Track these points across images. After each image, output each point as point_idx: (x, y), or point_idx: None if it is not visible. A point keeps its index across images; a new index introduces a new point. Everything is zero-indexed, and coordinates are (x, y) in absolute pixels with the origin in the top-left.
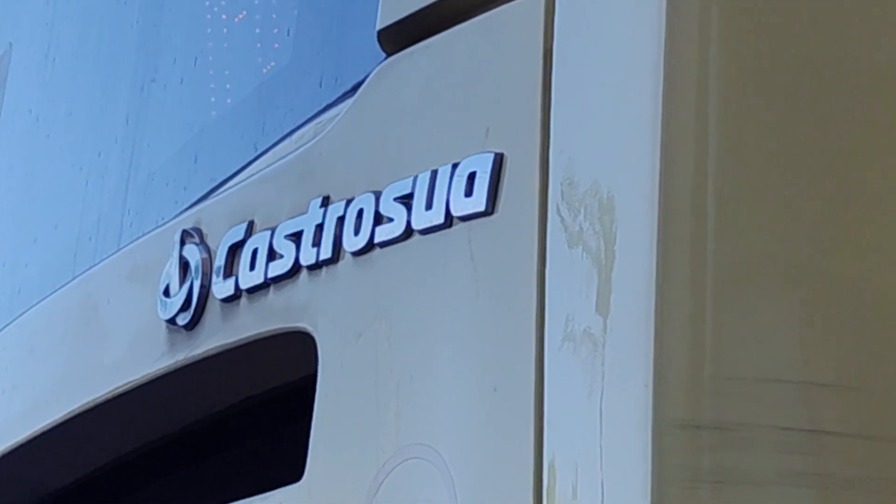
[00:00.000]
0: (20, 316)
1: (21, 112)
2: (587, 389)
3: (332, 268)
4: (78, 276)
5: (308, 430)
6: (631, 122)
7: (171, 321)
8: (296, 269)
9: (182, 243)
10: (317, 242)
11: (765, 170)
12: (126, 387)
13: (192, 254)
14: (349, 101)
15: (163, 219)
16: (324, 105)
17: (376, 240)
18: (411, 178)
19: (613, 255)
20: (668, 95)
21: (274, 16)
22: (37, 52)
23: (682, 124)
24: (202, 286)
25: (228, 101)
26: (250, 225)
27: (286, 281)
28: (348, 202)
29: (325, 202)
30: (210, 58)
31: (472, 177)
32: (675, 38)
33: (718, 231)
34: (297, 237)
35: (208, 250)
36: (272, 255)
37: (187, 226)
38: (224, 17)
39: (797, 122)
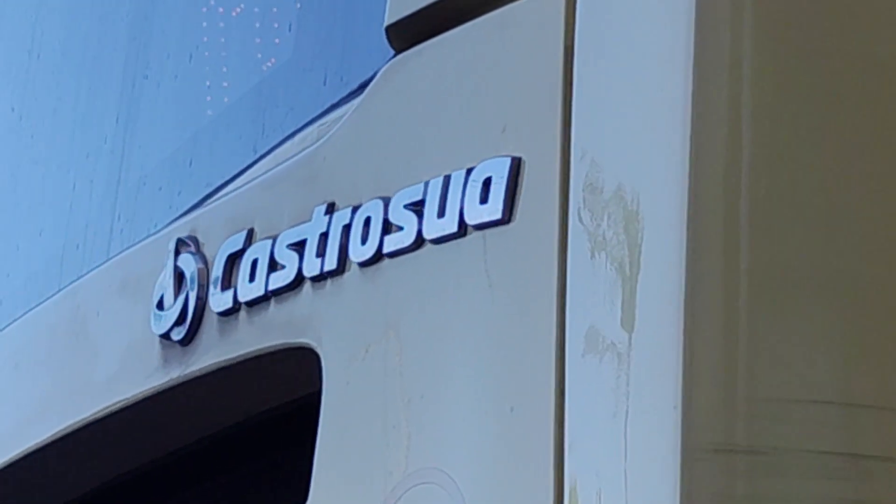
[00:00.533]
0: (3, 329)
1: (3, 110)
2: (611, 410)
3: (337, 279)
4: (65, 287)
5: (311, 453)
6: (658, 122)
7: (165, 336)
8: (298, 280)
9: (177, 253)
10: (321, 252)
11: (802, 172)
12: (116, 406)
13: (188, 264)
14: (356, 101)
15: (156, 226)
16: (328, 105)
17: (385, 250)
18: (422, 184)
19: (639, 266)
20: (699, 93)
21: (274, 9)
22: (20, 47)
23: (713, 124)
24: (198, 299)
25: (226, 100)
26: (250, 233)
27: (288, 293)
28: (355, 209)
29: (330, 209)
30: (206, 54)
31: (487, 182)
32: (706, 32)
33: (753, 239)
34: (299, 246)
35: (205, 260)
36: (273, 265)
37: (182, 234)
38: (221, 10)
39: (836, 122)
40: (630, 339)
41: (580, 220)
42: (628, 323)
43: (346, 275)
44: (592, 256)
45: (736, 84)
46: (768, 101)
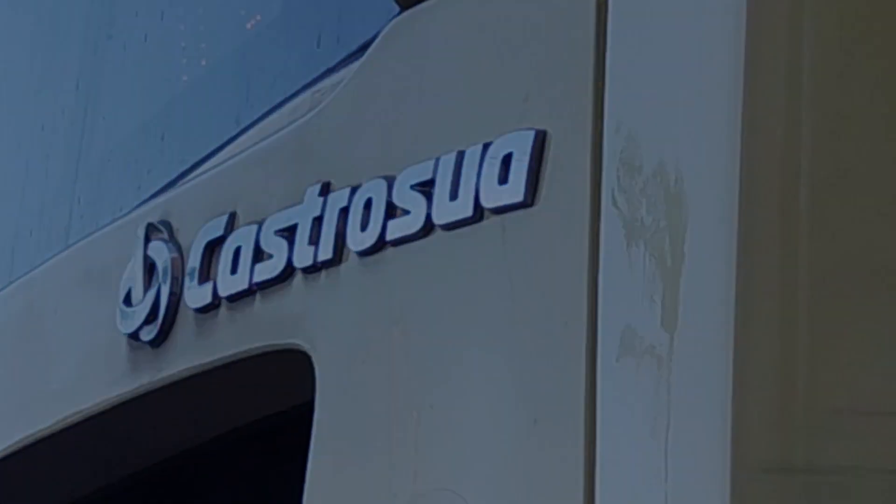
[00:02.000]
0: None
1: None
2: (650, 422)
3: (333, 271)
4: (16, 279)
5: (303, 471)
6: (707, 90)
7: (134, 336)
8: (288, 272)
9: (147, 240)
10: (314, 240)
11: (871, 148)
12: (78, 416)
13: (160, 253)
14: (354, 65)
15: (122, 209)
16: (323, 69)
17: (388, 237)
18: (432, 161)
19: (682, 256)
20: (753, 57)
21: None
22: None
23: (769, 92)
24: (172, 293)
25: (203, 62)
26: (231, 217)
27: (276, 287)
28: (353, 190)
29: (325, 190)
30: (180, 10)
31: (507, 159)
32: None
33: (814, 226)
34: (289, 233)
35: (179, 249)
36: (259, 255)
37: (153, 218)
38: None
39: None
40: (672, 340)
41: (614, 203)
42: (670, 322)
43: (344, 266)
44: (628, 245)
45: (795, 45)
46: (834, 59)
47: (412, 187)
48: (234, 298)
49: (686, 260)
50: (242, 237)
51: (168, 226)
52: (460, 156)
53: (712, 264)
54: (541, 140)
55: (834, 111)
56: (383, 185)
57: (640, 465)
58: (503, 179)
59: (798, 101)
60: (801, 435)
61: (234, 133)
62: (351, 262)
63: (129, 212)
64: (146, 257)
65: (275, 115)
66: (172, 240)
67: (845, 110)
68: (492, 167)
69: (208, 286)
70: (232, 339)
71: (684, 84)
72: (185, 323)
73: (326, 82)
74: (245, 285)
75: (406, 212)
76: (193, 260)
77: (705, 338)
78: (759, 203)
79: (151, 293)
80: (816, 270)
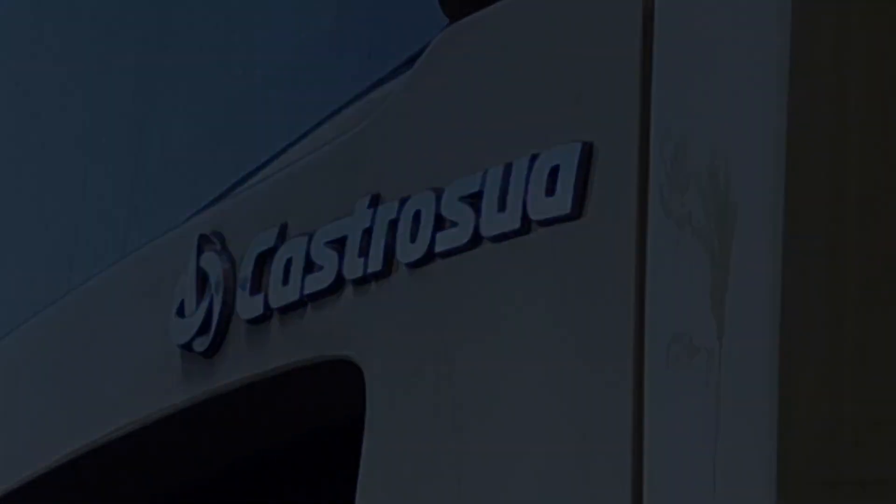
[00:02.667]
0: (1, 339)
1: (2, 83)
2: (698, 436)
3: (382, 283)
4: (73, 289)
5: (353, 482)
6: (753, 97)
7: (187, 346)
8: (338, 283)
9: (200, 251)
10: (364, 251)
11: None
12: (132, 427)
13: (213, 264)
14: (404, 77)
15: (177, 220)
16: (373, 80)
17: (437, 248)
18: (480, 174)
19: (731, 267)
20: (800, 59)
21: None
22: (22, 8)
23: (816, 94)
24: (224, 304)
25: (257, 72)
26: (283, 229)
27: (327, 298)
28: (403, 202)
29: (375, 202)
30: (236, 20)
31: (554, 172)
32: None
33: (864, 226)
34: (339, 244)
35: (232, 260)
36: (310, 266)
37: (206, 229)
38: None
39: None
40: (719, 352)
41: (663, 212)
42: (718, 334)
43: (393, 277)
44: (676, 255)
45: (843, 47)
46: (879, 65)
47: (460, 199)
48: (285, 310)
49: (735, 270)
50: (293, 248)
51: (221, 237)
52: (508, 168)
53: (762, 275)
54: (587, 152)
55: (882, 112)
56: (432, 197)
57: (688, 480)
58: (550, 191)
59: (845, 102)
60: (849, 447)
61: (285, 144)
62: (400, 274)
63: (183, 222)
64: (199, 269)
65: (325, 127)
66: (225, 251)
67: (894, 111)
68: (539, 179)
69: (260, 297)
70: (283, 350)
71: (731, 90)
72: (238, 334)
73: (376, 94)
74: (296, 296)
75: (454, 224)
76: (245, 271)
77: (753, 349)
78: (808, 211)
79: (204, 304)
80: (868, 273)
